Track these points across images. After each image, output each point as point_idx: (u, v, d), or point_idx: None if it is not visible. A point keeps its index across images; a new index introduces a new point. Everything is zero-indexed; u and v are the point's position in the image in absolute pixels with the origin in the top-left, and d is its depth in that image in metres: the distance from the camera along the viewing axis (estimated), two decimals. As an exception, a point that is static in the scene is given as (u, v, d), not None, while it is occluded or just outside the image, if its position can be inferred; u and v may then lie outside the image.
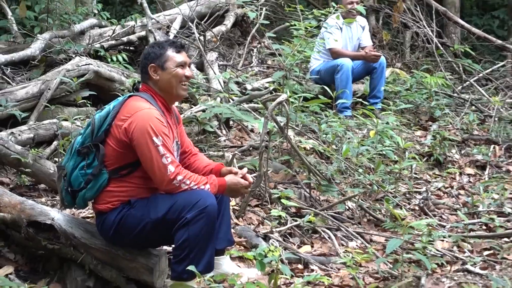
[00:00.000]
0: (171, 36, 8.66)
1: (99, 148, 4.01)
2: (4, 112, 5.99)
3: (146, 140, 3.91)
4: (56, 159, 5.69)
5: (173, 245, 4.02)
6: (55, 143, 5.87)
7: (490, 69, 10.94)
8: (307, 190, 5.86)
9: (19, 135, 5.77)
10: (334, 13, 8.24)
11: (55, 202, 5.12)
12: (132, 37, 8.47)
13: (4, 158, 5.24)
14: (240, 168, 5.75)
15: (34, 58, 7.39)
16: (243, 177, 4.27)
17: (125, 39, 8.46)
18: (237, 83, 7.68)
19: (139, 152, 3.96)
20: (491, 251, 5.14)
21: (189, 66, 4.28)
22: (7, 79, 6.99)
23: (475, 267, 4.62)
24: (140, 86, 4.26)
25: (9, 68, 7.19)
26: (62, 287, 3.94)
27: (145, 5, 8.69)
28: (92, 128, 4.06)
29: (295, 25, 7.89)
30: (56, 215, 4.20)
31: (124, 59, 7.80)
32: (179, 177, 3.96)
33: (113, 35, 8.50)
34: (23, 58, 7.35)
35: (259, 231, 5.12)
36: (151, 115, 3.98)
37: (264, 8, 9.43)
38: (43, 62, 7.45)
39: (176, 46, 4.23)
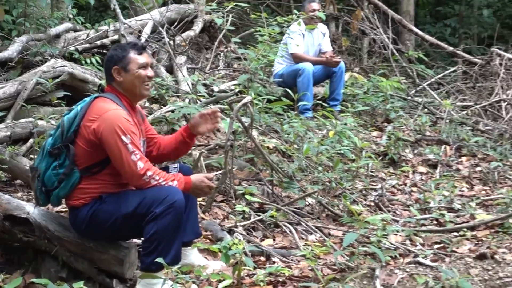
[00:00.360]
0: (143, 40, 8.65)
1: (70, 149, 3.99)
2: (-18, 111, 5.95)
3: (115, 139, 3.91)
4: (32, 156, 5.63)
5: (143, 238, 4.01)
6: (31, 141, 5.82)
7: (442, 74, 11.06)
8: (270, 186, 5.88)
9: (-3, 132, 5.73)
10: (296, 20, 8.35)
11: (30, 197, 5.08)
12: (105, 41, 8.42)
13: (-18, 156, 5.20)
14: (207, 166, 5.83)
15: (12, 59, 7.30)
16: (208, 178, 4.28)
17: (98, 42, 8.41)
18: (204, 85, 7.67)
19: (109, 150, 3.96)
20: (441, 245, 5.20)
21: (151, 66, 4.28)
22: (-14, 79, 6.95)
23: (426, 259, 4.66)
24: (105, 87, 4.27)
25: (-12, 69, 7.16)
26: (36, 277, 3.91)
27: (118, 10, 8.65)
28: (61, 130, 4.05)
29: (259, 31, 7.94)
30: (31, 209, 4.17)
31: (97, 62, 7.74)
32: (149, 173, 3.96)
33: (87, 38, 8.45)
34: (1, 60, 7.25)
35: (224, 225, 5.13)
36: (119, 115, 3.98)
37: (230, 15, 9.43)
38: (20, 64, 7.38)
39: (138, 48, 4.21)
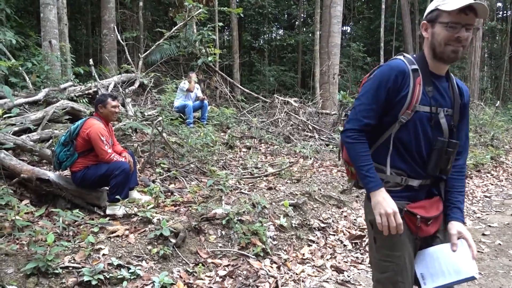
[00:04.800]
0: (109, 91, 8.25)
1: (73, 142, 3.90)
2: (25, 126, 5.54)
3: (97, 137, 3.84)
4: (52, 148, 5.26)
5: (109, 186, 3.88)
6: (50, 141, 5.47)
7: (252, 106, 11.27)
8: (173, 160, 5.80)
9: (32, 137, 5.33)
10: (183, 80, 8.26)
11: (50, 169, 4.72)
12: (90, 91, 7.85)
13: (24, 148, 4.82)
14: (142, 151, 5.63)
15: (40, 100, 6.81)
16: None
17: (86, 92, 7.86)
18: (140, 112, 7.42)
19: (94, 143, 3.86)
20: (252, 183, 5.33)
21: (118, 107, 4.17)
22: (26, 110, 6.40)
23: (245, 190, 4.80)
24: (94, 113, 4.15)
25: (27, 105, 6.59)
26: (54, 208, 3.70)
27: (96, 76, 8.20)
28: (69, 133, 3.94)
29: (167, 86, 7.82)
30: (51, 175, 3.97)
31: (86, 101, 7.29)
32: (112, 155, 3.90)
33: (80, 90, 7.89)
34: (35, 100, 6.76)
35: (150, 179, 5.01)
36: (100, 127, 3.91)
37: (152, 79, 9.24)
38: (45, 102, 6.83)
39: (112, 97, 4.15)
